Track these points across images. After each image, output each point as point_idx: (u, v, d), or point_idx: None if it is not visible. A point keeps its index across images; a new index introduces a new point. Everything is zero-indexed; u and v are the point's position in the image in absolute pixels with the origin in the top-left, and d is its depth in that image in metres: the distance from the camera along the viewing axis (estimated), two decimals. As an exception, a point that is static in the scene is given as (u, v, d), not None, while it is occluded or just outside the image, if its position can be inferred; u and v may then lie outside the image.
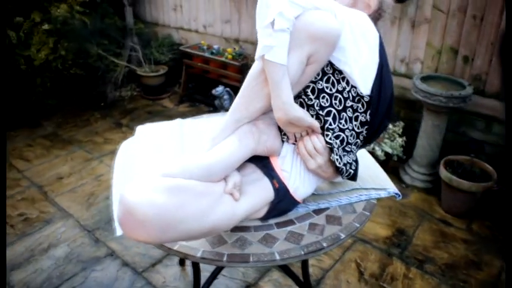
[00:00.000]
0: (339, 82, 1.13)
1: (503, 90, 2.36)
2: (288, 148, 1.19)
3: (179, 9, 3.95)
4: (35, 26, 3.31)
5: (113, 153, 2.99)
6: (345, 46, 1.10)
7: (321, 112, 1.12)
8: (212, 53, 3.47)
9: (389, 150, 2.59)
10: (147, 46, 4.04)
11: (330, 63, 1.13)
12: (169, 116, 3.58)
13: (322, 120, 1.12)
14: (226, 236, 1.17)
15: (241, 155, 1.13)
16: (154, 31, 4.26)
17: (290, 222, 1.23)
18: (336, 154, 1.13)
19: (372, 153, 2.54)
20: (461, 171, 2.35)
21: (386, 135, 2.68)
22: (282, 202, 1.18)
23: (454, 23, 2.43)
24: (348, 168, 1.17)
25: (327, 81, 1.13)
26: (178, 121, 1.77)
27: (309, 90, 1.13)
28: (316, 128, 1.11)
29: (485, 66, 2.40)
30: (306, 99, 1.14)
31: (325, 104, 1.13)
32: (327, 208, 1.30)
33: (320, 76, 1.13)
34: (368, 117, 1.17)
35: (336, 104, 1.13)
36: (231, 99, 3.37)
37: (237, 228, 1.19)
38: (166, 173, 0.98)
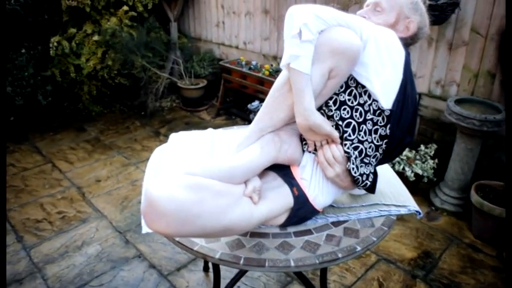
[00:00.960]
0: (361, 95, 1.18)
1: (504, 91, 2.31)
2: (308, 158, 1.23)
3: (221, 25, 4.11)
4: (87, 37, 3.54)
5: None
6: (367, 62, 1.15)
7: (340, 123, 1.17)
8: (250, 69, 3.57)
9: (420, 172, 2.56)
10: (189, 60, 4.20)
11: (355, 78, 1.18)
12: (205, 128, 3.66)
13: (341, 131, 1.17)
14: (245, 240, 1.22)
15: (262, 162, 1.18)
16: (196, 46, 4.44)
17: (308, 231, 1.27)
18: (353, 163, 1.16)
19: (402, 174, 2.53)
20: (494, 197, 2.29)
21: (418, 157, 2.65)
22: (302, 209, 1.22)
23: (492, 47, 2.40)
24: (364, 179, 1.20)
25: (350, 94, 1.18)
26: (210, 130, 1.85)
27: (331, 102, 1.18)
28: (335, 137, 1.15)
29: (523, 91, 2.35)
30: (327, 110, 1.19)
31: (345, 115, 1.17)
32: (346, 221, 1.33)
33: (343, 88, 1.18)
34: (388, 131, 1.20)
35: (356, 116, 1.17)
36: (265, 114, 3.44)
37: (255, 234, 1.24)
38: (188, 171, 1.06)
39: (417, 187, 2.68)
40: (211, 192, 1.01)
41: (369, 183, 1.22)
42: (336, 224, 1.31)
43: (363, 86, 1.17)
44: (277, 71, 3.39)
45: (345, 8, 2.96)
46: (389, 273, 2.11)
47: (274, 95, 1.21)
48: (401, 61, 1.21)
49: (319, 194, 1.22)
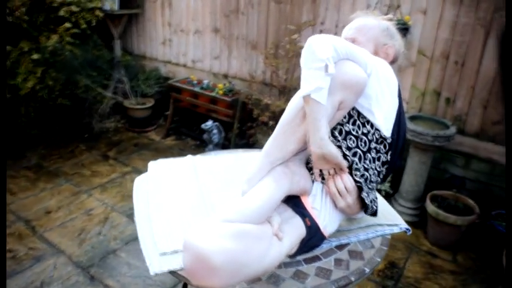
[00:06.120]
0: (364, 125, 1.23)
1: (503, 92, 2.47)
2: (317, 187, 1.26)
3: (168, 43, 4.03)
4: (22, 55, 3.27)
5: (102, 186, 2.98)
6: (370, 94, 1.21)
7: (347, 152, 1.21)
8: (202, 88, 3.53)
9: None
10: (134, 78, 4.06)
11: (356, 109, 1.23)
12: (156, 149, 3.58)
13: (350, 161, 1.21)
14: (259, 273, 1.20)
15: (279, 196, 1.19)
16: (141, 64, 4.30)
17: (316, 258, 1.29)
18: (365, 191, 1.21)
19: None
20: (446, 206, 2.49)
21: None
22: (313, 239, 1.23)
23: (437, 68, 2.63)
24: (372, 204, 1.25)
25: (353, 124, 1.23)
26: (189, 157, 1.80)
27: (336, 132, 1.22)
28: (344, 166, 1.18)
29: (465, 107, 2.60)
30: (334, 141, 1.22)
31: (351, 145, 1.22)
32: (348, 244, 1.37)
33: (347, 119, 1.23)
34: (388, 157, 1.27)
35: (361, 145, 1.22)
36: (220, 134, 3.42)
37: (268, 265, 1.23)
38: (225, 218, 1.04)
39: (375, 200, 2.82)
40: (253, 238, 1.01)
41: (375, 208, 1.27)
42: (340, 247, 1.35)
43: (365, 116, 1.23)
44: (231, 90, 3.39)
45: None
46: (362, 285, 2.19)
47: (283, 128, 1.22)
48: (397, 90, 1.29)
49: (328, 223, 1.25)
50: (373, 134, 1.24)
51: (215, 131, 3.39)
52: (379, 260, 1.31)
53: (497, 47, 2.38)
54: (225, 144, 3.53)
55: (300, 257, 1.28)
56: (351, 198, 1.20)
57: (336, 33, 2.99)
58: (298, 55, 2.90)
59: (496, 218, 2.46)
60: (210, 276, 0.90)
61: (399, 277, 2.27)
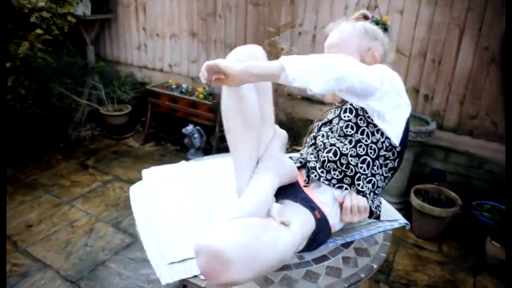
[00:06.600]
0: (373, 134, 1.25)
1: (504, 94, 2.49)
2: (327, 186, 1.27)
3: (143, 48, 3.96)
4: (-9, 65, 3.14)
5: (84, 196, 2.90)
6: (386, 106, 1.19)
7: (356, 159, 1.22)
8: (181, 92, 3.49)
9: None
10: (109, 84, 3.96)
11: (365, 118, 1.24)
12: (136, 156, 3.51)
13: (353, 171, 1.22)
14: (272, 275, 1.20)
15: (270, 188, 1.20)
16: (115, 69, 4.21)
17: (324, 257, 1.30)
18: (371, 201, 1.25)
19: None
20: (430, 199, 2.57)
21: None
22: (321, 233, 1.24)
23: (415, 66, 2.72)
24: (376, 210, 1.30)
25: (362, 133, 1.25)
26: (183, 163, 1.79)
27: (346, 142, 1.24)
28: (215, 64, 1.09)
29: (443, 103, 2.70)
30: (342, 148, 1.24)
31: (361, 152, 1.24)
32: (352, 241, 1.39)
33: (355, 129, 1.24)
34: (396, 163, 1.30)
35: (371, 152, 1.25)
36: (202, 138, 3.40)
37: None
38: (227, 217, 1.03)
39: (360, 196, 2.88)
40: (260, 228, 1.02)
41: (379, 212, 1.31)
42: (345, 245, 1.37)
43: (374, 125, 1.23)
44: (211, 94, 3.37)
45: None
46: (358, 282, 2.23)
47: (233, 128, 1.23)
48: (407, 98, 1.28)
49: (337, 221, 1.28)
50: (383, 142, 1.25)
51: (196, 135, 3.36)
52: (384, 255, 1.34)
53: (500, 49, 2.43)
54: (207, 148, 3.51)
55: (308, 258, 1.29)
56: (357, 218, 1.24)
57: (314, 35, 3.03)
58: (278, 57, 2.93)
59: (477, 208, 2.56)
60: (227, 270, 0.89)
61: (390, 271, 2.33)
